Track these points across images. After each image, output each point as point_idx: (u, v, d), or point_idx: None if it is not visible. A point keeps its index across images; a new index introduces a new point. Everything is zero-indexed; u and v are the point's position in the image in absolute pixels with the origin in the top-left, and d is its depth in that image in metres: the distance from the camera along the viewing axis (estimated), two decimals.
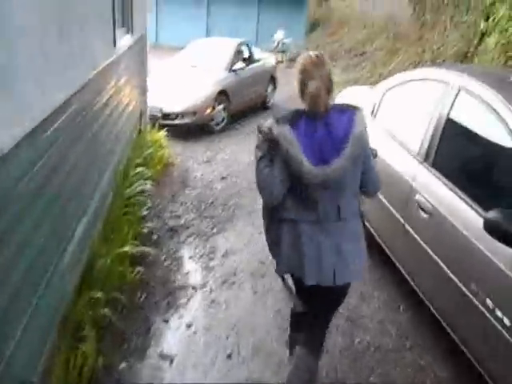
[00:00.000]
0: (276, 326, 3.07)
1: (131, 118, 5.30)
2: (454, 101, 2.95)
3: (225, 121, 7.75)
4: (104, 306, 2.80)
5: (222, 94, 7.62)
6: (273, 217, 2.14)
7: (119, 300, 2.99)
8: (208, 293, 3.40)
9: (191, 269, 3.70)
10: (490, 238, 2.18)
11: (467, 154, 2.93)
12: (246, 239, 4.19)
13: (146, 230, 3.98)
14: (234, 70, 8.08)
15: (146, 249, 3.58)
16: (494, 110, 2.59)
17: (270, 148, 1.97)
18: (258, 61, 9.18)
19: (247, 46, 9.09)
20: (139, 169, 4.74)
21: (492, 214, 2.11)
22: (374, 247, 3.47)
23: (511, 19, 6.41)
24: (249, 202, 4.94)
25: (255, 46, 9.83)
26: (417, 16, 10.28)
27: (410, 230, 3.04)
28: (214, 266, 3.74)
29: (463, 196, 2.60)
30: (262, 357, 2.81)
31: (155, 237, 4.04)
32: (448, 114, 2.96)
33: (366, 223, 3.00)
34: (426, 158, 3.05)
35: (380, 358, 2.86)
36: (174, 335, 2.95)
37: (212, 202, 4.92)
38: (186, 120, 7.14)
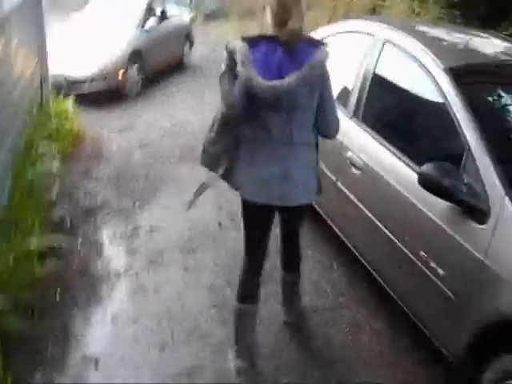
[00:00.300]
0: (211, 304, 2.87)
1: (27, 89, 4.67)
2: (380, 54, 2.92)
3: (139, 84, 7.20)
4: (9, 312, 2.42)
5: (135, 55, 7.03)
6: (227, 132, 2.16)
7: (29, 302, 2.61)
8: (133, 278, 3.09)
9: (112, 253, 3.35)
10: (422, 190, 2.15)
11: (396, 108, 2.93)
12: (171, 213, 3.87)
13: (56, 216, 3.54)
14: (146, 29, 7.49)
15: (57, 238, 3.17)
16: (421, 62, 2.56)
17: (233, 64, 2.00)
18: (172, 18, 8.58)
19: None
20: (44, 145, 4.21)
21: (426, 168, 2.10)
22: None
23: None
24: (172, 172, 4.60)
25: (168, 1, 9.16)
26: None
27: (342, 187, 3.00)
28: (138, 247, 3.41)
29: (394, 150, 2.59)
30: (198, 340, 2.60)
31: (68, 222, 3.59)
32: (375, 67, 2.93)
33: None
34: (355, 114, 3.00)
35: (318, 319, 2.83)
36: (98, 333, 2.64)
37: (131, 175, 4.51)
38: (97, 86, 6.52)
